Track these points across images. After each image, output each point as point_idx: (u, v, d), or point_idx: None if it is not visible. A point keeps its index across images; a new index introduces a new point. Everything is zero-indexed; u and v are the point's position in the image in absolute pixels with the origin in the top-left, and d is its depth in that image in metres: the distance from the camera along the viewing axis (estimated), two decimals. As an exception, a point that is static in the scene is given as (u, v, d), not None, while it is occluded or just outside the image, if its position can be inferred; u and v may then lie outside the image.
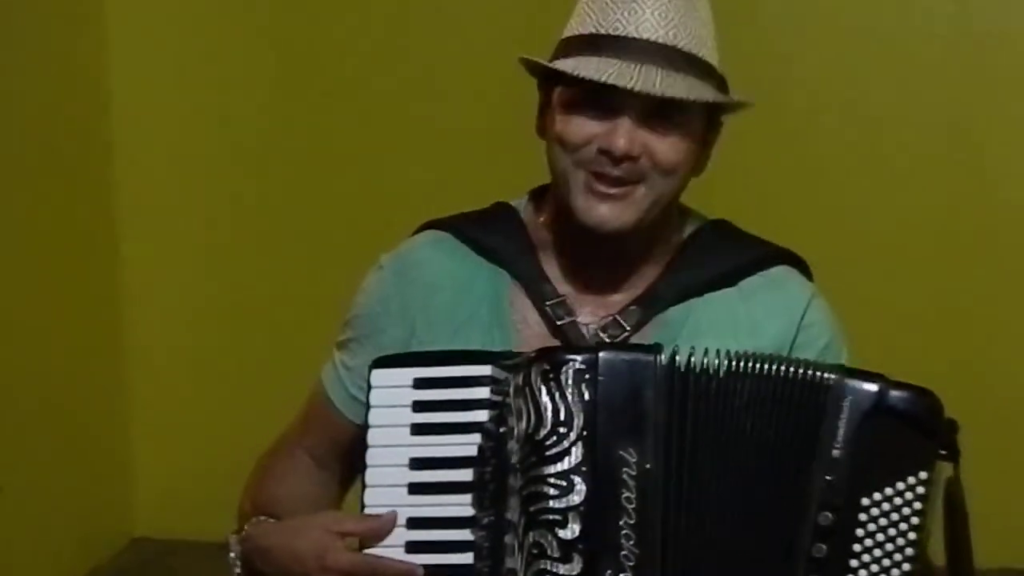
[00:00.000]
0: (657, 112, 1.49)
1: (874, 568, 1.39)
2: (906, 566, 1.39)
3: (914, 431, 1.40)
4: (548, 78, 1.57)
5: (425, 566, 1.44)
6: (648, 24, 1.50)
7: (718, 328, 1.55)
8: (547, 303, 1.58)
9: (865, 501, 1.39)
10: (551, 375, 1.40)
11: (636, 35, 1.49)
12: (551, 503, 1.39)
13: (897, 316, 3.36)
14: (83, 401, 3.46)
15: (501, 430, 1.43)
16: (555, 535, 1.39)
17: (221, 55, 3.52)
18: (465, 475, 1.45)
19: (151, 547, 3.64)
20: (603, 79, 1.47)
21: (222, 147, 3.55)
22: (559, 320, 1.56)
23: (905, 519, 1.39)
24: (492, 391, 1.45)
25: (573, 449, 1.39)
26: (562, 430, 1.39)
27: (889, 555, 1.39)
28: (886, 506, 1.39)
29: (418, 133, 3.45)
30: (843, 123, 3.38)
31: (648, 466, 1.39)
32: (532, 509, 1.40)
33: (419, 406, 1.48)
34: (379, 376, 1.50)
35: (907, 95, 3.34)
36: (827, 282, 1.68)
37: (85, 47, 3.47)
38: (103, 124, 3.52)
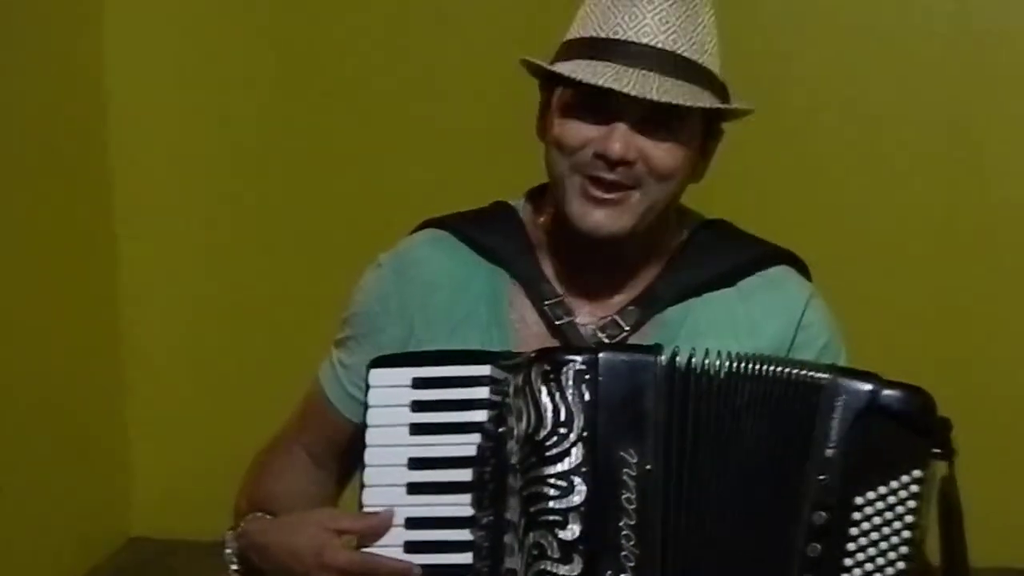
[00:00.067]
0: (654, 117, 1.49)
1: (868, 567, 1.39)
2: (901, 565, 1.39)
3: (907, 430, 1.40)
4: (548, 80, 1.57)
5: (424, 566, 1.44)
6: (648, 29, 1.49)
7: (717, 328, 1.55)
8: (545, 303, 1.58)
9: (859, 500, 1.39)
10: (551, 376, 1.40)
11: (636, 39, 1.49)
12: (551, 504, 1.39)
13: (896, 315, 3.36)
14: (82, 401, 3.46)
15: (500, 430, 1.43)
16: (555, 536, 1.39)
17: (221, 55, 3.51)
18: (464, 475, 1.45)
19: (150, 547, 3.64)
20: (600, 82, 1.47)
21: (222, 147, 3.55)
22: (557, 320, 1.56)
23: (899, 518, 1.39)
24: (491, 391, 1.45)
25: (573, 450, 1.39)
26: (562, 431, 1.39)
27: (883, 554, 1.39)
28: (880, 505, 1.39)
29: (418, 133, 3.45)
30: (843, 122, 3.39)
31: (648, 467, 1.39)
32: (532, 510, 1.40)
33: (418, 406, 1.48)
34: (377, 376, 1.50)
35: (907, 94, 3.35)
36: (826, 281, 1.68)
37: (84, 47, 3.47)
38: (102, 124, 3.52)
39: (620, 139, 1.49)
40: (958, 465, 1.43)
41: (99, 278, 3.55)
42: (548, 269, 1.60)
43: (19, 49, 3.15)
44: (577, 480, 1.39)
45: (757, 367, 1.42)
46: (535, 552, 1.39)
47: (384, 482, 1.47)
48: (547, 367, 1.40)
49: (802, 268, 1.66)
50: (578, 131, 1.51)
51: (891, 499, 1.39)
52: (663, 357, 1.41)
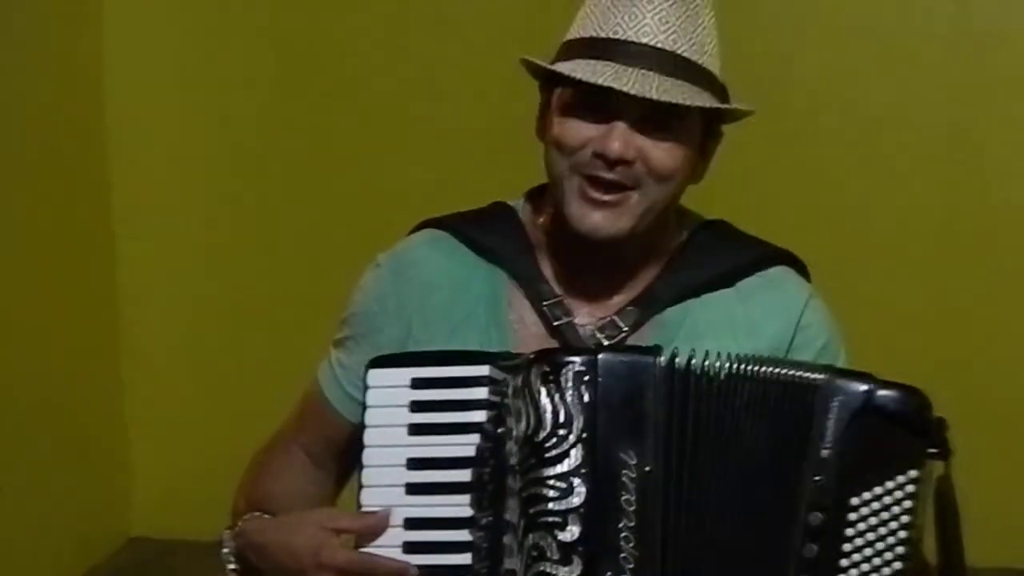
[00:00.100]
0: (654, 117, 1.49)
1: (865, 567, 1.39)
2: (897, 565, 1.39)
3: (903, 430, 1.40)
4: (548, 80, 1.57)
5: (423, 567, 1.44)
6: (648, 28, 1.49)
7: (716, 329, 1.55)
8: (544, 303, 1.57)
9: (854, 501, 1.39)
10: (551, 377, 1.40)
11: (635, 39, 1.49)
12: (551, 505, 1.39)
13: (896, 316, 3.36)
14: (82, 401, 3.46)
15: (499, 431, 1.42)
16: (555, 537, 1.39)
17: (221, 55, 3.51)
18: (463, 476, 1.44)
19: (149, 547, 3.64)
20: (600, 81, 1.46)
21: (221, 147, 3.55)
22: (556, 320, 1.56)
23: (895, 518, 1.39)
24: (490, 392, 1.44)
25: (573, 451, 1.39)
26: (562, 432, 1.39)
27: (880, 554, 1.39)
28: (875, 505, 1.39)
29: (418, 133, 3.45)
30: (843, 123, 3.38)
31: (648, 468, 1.39)
32: (532, 511, 1.39)
33: (416, 406, 1.47)
34: (376, 376, 1.49)
35: (907, 95, 3.34)
36: (826, 282, 1.67)
37: (83, 47, 3.47)
38: (102, 124, 3.52)
39: (619, 138, 1.48)
40: (958, 466, 1.42)
41: (98, 278, 3.55)
42: (547, 269, 1.60)
43: (19, 49, 3.15)
44: (576, 481, 1.39)
45: (756, 368, 1.42)
46: (534, 553, 1.39)
47: (383, 482, 1.47)
48: (546, 368, 1.40)
49: (801, 269, 1.65)
50: (578, 130, 1.51)
51: (887, 499, 1.39)
52: (662, 358, 1.41)
